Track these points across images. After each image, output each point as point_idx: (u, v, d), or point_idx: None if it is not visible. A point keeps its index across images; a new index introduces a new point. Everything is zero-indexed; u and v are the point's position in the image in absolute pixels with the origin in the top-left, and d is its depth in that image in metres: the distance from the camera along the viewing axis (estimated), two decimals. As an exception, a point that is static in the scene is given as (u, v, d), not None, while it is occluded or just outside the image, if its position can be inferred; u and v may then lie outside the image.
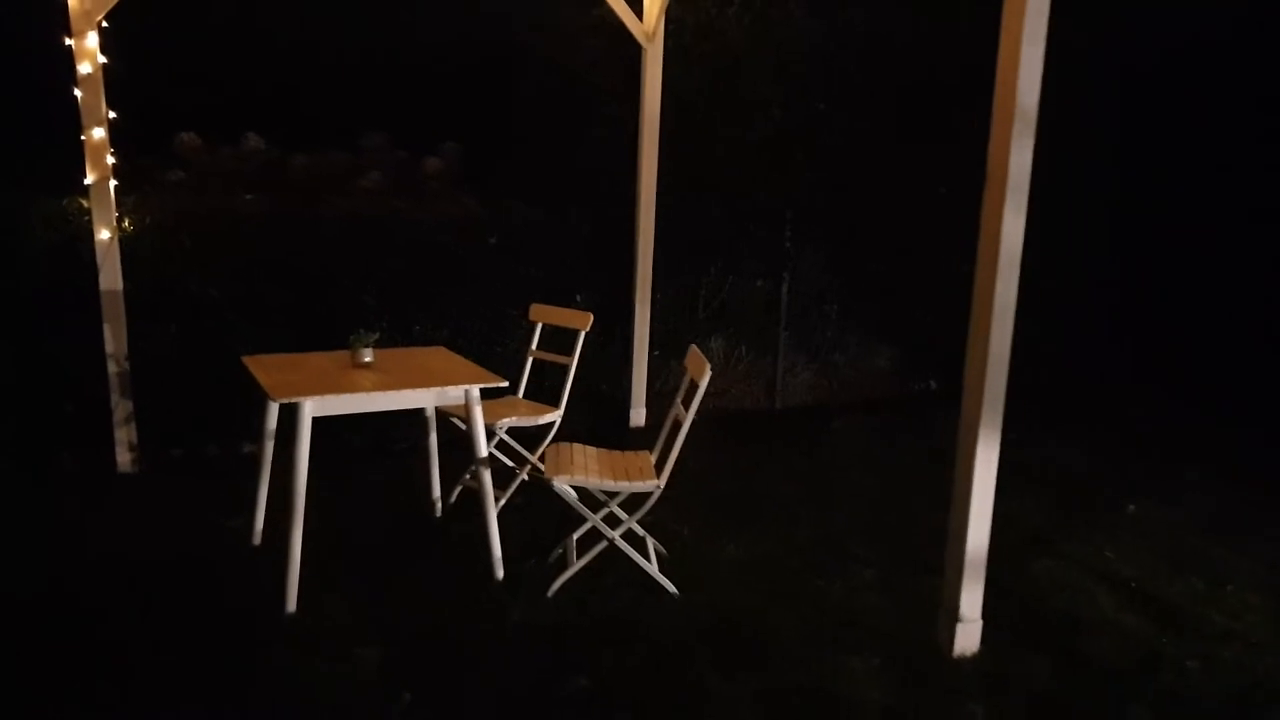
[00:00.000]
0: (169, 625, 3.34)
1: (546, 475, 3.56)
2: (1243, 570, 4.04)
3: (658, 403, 6.07)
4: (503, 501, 4.33)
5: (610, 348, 5.86)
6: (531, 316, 4.74)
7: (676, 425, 3.63)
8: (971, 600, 3.26)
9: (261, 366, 3.66)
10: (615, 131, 5.77)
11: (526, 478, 4.54)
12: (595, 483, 3.57)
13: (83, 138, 4.53)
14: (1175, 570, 4.02)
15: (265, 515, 4.03)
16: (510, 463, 4.64)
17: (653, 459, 3.89)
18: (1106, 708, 3.06)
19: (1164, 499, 4.85)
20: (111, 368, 4.71)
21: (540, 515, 4.35)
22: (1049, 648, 3.37)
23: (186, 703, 2.92)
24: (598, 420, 5.81)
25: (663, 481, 3.59)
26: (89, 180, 4.57)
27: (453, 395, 3.62)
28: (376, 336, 3.78)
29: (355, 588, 3.62)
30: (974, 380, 3.11)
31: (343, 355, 3.87)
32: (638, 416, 5.97)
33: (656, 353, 6.01)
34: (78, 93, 4.47)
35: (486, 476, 3.74)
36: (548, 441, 4.45)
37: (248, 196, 5.38)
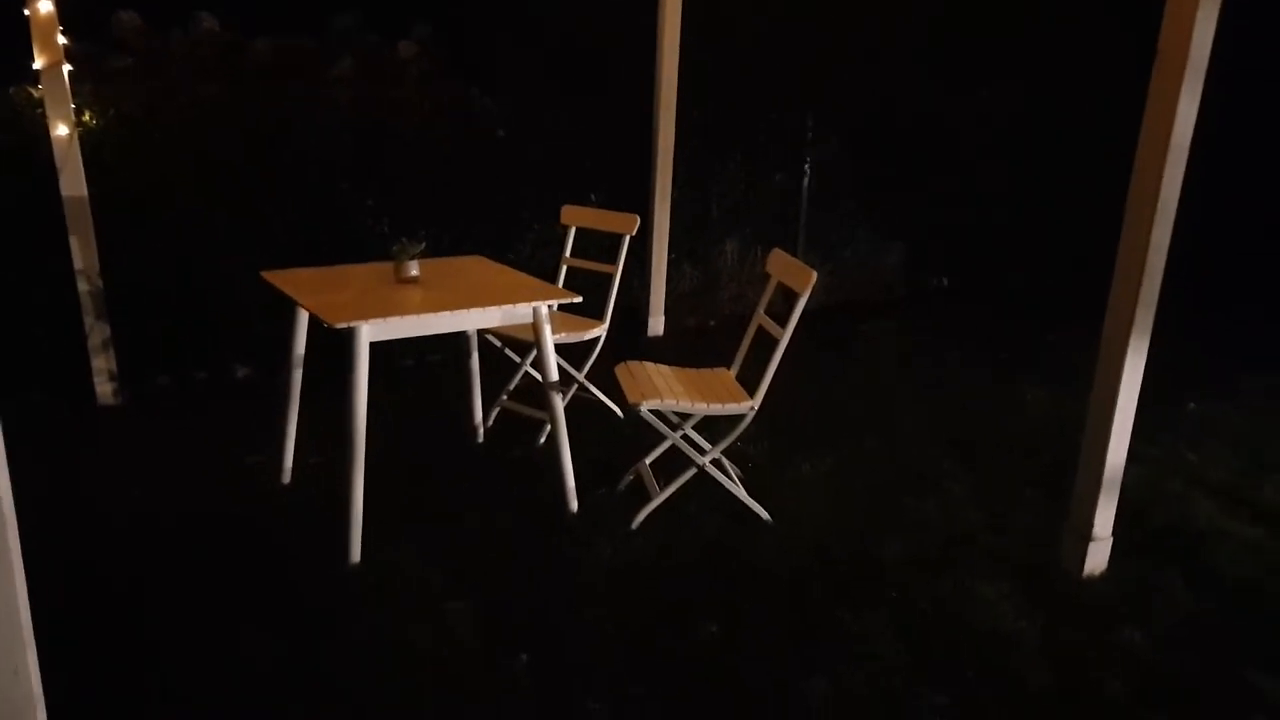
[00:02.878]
0: (213, 587, 2.90)
1: (630, 400, 3.18)
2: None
3: (671, 310, 5.70)
4: (549, 426, 3.94)
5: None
6: (564, 219, 4.26)
7: (769, 341, 3.27)
8: (1105, 518, 3.06)
9: (295, 284, 3.13)
10: (627, 10, 5.19)
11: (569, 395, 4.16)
12: (686, 406, 3.21)
13: (26, 12, 3.79)
14: (1263, 471, 3.91)
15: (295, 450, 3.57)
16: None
17: (732, 375, 3.56)
18: (1266, 625, 2.91)
19: (1222, 398, 4.73)
20: (82, 286, 4.08)
21: (589, 437, 3.98)
22: (1173, 562, 3.20)
23: (263, 666, 2.52)
24: (612, 330, 5.38)
25: (757, 403, 3.25)
26: (38, 65, 3.85)
27: (520, 314, 3.17)
28: (423, 246, 3.28)
29: (419, 531, 3.22)
30: (1128, 279, 2.82)
31: (382, 268, 3.36)
32: (655, 325, 5.59)
33: (673, 256, 5.59)
34: (15, -44, 3.72)
35: (558, 401, 3.34)
36: (593, 358, 4.08)
37: (213, 87, 4.66)
